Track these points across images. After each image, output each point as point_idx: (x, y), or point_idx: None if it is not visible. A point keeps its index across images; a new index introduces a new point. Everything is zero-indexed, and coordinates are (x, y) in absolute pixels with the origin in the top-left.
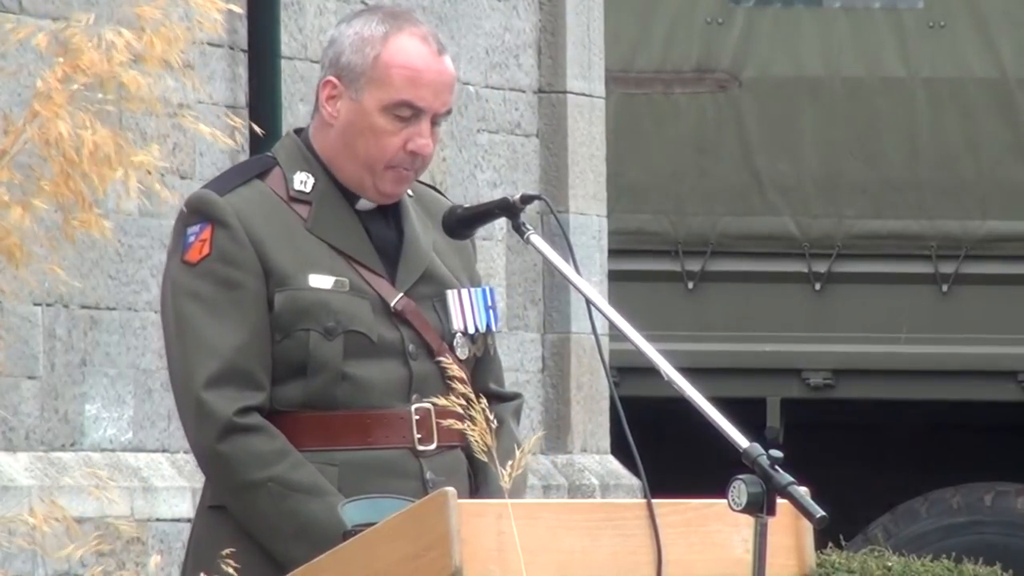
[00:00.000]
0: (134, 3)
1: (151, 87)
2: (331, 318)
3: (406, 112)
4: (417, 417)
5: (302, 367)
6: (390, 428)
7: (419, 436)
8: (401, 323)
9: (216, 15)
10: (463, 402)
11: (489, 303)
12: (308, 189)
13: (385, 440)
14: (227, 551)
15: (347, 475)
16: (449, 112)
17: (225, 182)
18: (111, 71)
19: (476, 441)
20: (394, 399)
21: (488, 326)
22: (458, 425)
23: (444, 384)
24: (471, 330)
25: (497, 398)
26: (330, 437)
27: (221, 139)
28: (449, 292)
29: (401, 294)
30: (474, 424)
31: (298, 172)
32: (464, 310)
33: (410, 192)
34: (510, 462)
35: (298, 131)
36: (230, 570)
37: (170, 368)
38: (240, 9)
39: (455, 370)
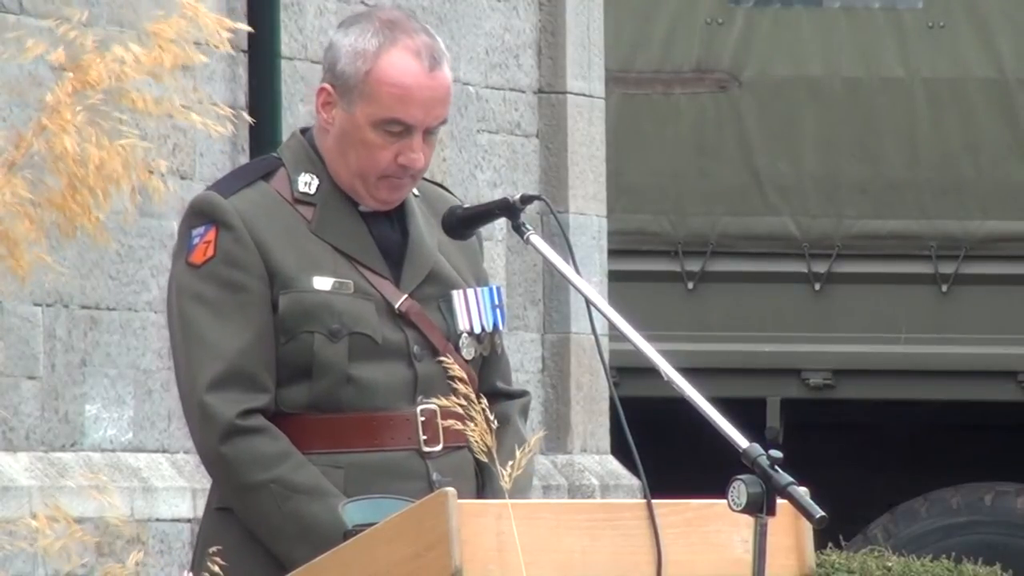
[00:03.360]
0: (141, 16)
1: (151, 88)
2: (335, 320)
3: (396, 128)
4: (423, 418)
5: (307, 369)
6: (396, 429)
7: (425, 437)
8: (406, 324)
9: (224, 32)
10: (463, 403)
11: (496, 302)
12: (312, 191)
13: (391, 442)
14: (214, 549)
15: (353, 477)
16: (444, 122)
17: (230, 184)
18: (119, 87)
19: (476, 442)
20: (399, 400)
21: (495, 325)
22: (460, 426)
23: (449, 385)
24: (477, 330)
25: (505, 396)
26: (336, 439)
27: (212, 127)
28: (455, 292)
29: (405, 295)
30: (475, 424)
31: (303, 173)
32: (470, 310)
33: (416, 192)
34: (511, 462)
35: (304, 130)
36: (216, 568)
37: (175, 370)
38: (246, 27)
39: (456, 370)
